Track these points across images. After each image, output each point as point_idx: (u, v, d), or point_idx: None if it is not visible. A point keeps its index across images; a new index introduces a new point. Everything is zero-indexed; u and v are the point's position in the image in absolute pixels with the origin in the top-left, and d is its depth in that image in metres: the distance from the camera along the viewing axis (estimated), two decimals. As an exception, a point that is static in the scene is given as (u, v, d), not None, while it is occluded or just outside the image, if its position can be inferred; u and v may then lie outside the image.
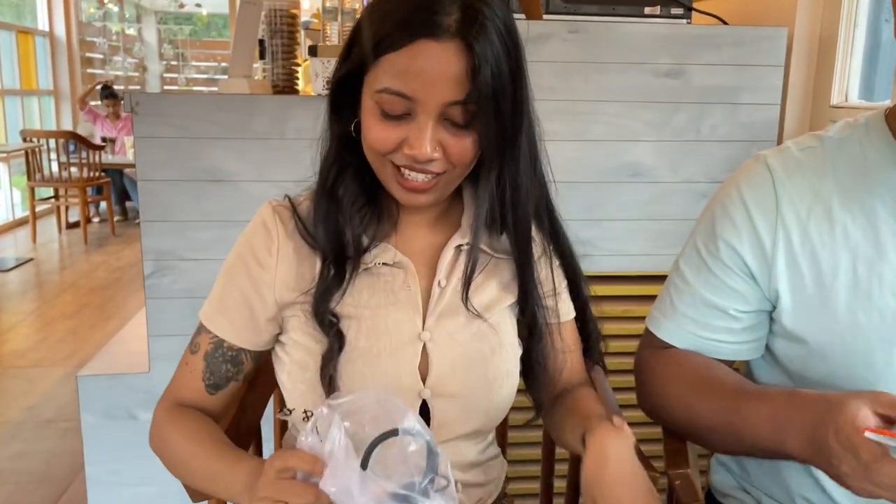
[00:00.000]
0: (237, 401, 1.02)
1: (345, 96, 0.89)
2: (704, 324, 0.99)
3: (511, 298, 0.98)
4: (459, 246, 0.96)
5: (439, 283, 0.95)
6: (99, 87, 7.38)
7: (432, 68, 0.79)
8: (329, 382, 0.91)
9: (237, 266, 0.95)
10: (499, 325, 0.97)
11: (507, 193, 0.91)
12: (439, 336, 0.94)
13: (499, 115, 0.83)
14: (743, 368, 1.08)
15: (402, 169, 0.86)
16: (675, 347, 1.02)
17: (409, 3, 0.81)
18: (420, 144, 0.82)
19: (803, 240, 0.92)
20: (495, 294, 0.97)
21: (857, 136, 0.93)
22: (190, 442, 0.92)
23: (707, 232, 0.99)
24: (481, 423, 0.97)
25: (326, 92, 0.93)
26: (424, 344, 0.93)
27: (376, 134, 0.85)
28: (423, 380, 0.92)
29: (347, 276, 0.91)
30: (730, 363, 1.01)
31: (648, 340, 1.05)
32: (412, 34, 0.79)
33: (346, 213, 0.92)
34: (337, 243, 0.91)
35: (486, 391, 0.95)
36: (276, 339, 0.97)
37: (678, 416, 0.99)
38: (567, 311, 1.03)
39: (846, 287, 0.90)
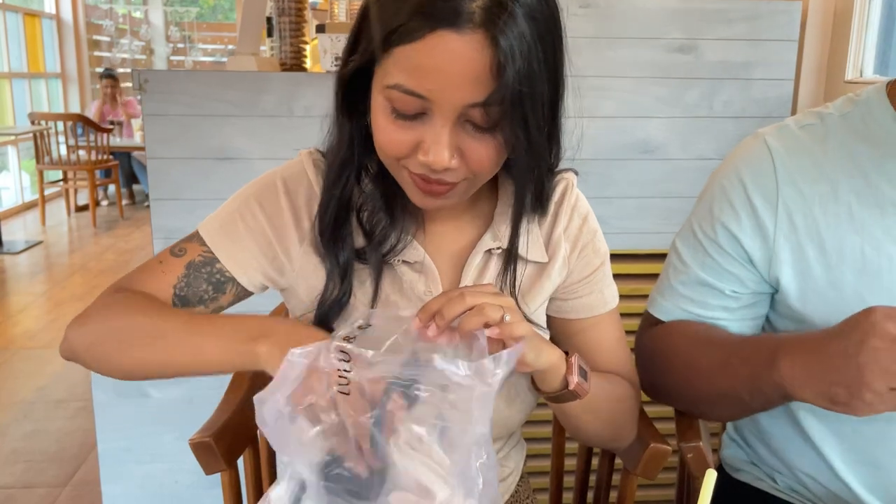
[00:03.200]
0: None
1: (355, 89, 0.78)
2: (701, 302, 0.97)
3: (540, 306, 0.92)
4: (490, 250, 0.88)
5: None
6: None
7: (451, 65, 0.68)
8: None
9: (266, 196, 0.86)
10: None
11: (539, 179, 0.84)
12: None
13: (527, 117, 0.72)
14: None
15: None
16: (672, 321, 1.00)
17: None
18: (436, 151, 0.72)
19: (807, 221, 0.89)
20: (524, 294, 0.90)
21: (859, 112, 0.90)
22: (162, 310, 0.80)
23: (704, 213, 0.96)
24: (495, 435, 0.94)
25: (335, 68, 0.86)
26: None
27: (388, 136, 0.74)
28: None
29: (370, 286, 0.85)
30: None
31: (648, 321, 1.04)
32: (429, 24, 0.67)
33: (367, 221, 0.84)
34: (345, 264, 0.84)
35: (504, 408, 0.90)
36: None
37: (680, 381, 0.97)
38: (592, 304, 0.94)
39: (853, 268, 0.87)
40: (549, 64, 0.72)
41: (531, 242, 0.89)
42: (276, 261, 0.87)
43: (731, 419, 1.09)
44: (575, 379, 0.79)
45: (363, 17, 0.75)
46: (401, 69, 0.70)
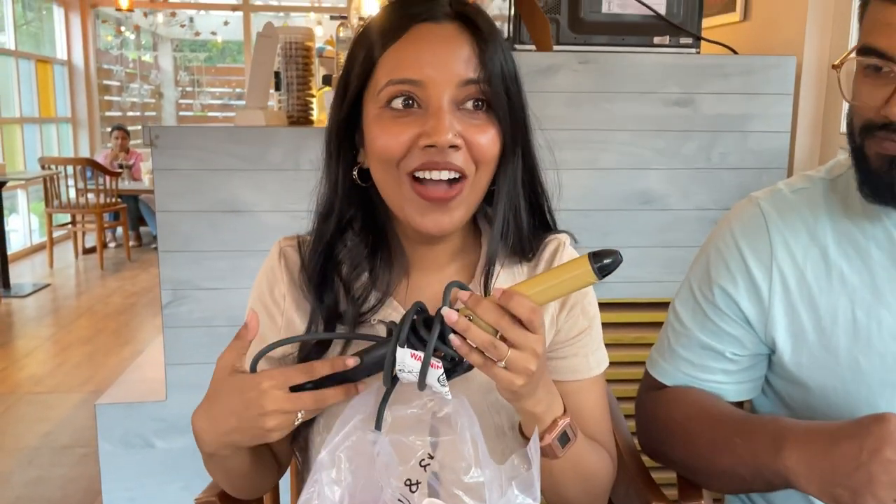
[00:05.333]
0: (287, 446, 0.95)
1: (344, 138, 0.84)
2: (701, 366, 0.98)
3: None
4: (487, 274, 0.87)
5: None
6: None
7: (436, 47, 0.77)
8: (305, 451, 0.89)
9: (254, 309, 0.91)
10: None
11: (519, 218, 0.86)
12: None
13: (513, 102, 0.81)
14: (747, 408, 1.07)
15: (421, 176, 0.78)
16: (673, 387, 1.01)
17: (400, 6, 0.81)
18: (438, 129, 0.75)
19: (800, 284, 0.91)
20: None
21: (849, 176, 0.91)
22: None
23: (702, 275, 0.98)
24: None
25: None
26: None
27: (386, 138, 0.78)
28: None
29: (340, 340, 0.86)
30: (734, 405, 1.00)
31: (648, 383, 1.05)
32: (408, 22, 0.78)
33: (346, 277, 0.86)
34: (328, 310, 0.85)
35: (493, 437, 0.87)
36: None
37: (680, 451, 0.97)
38: (583, 367, 0.92)
39: (846, 332, 0.89)
40: (511, 66, 0.82)
41: None
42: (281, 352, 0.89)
43: (731, 493, 1.09)
44: (550, 439, 0.77)
45: (350, 58, 0.83)
46: (391, 68, 0.78)
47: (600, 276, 0.68)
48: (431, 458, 0.70)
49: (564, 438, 0.79)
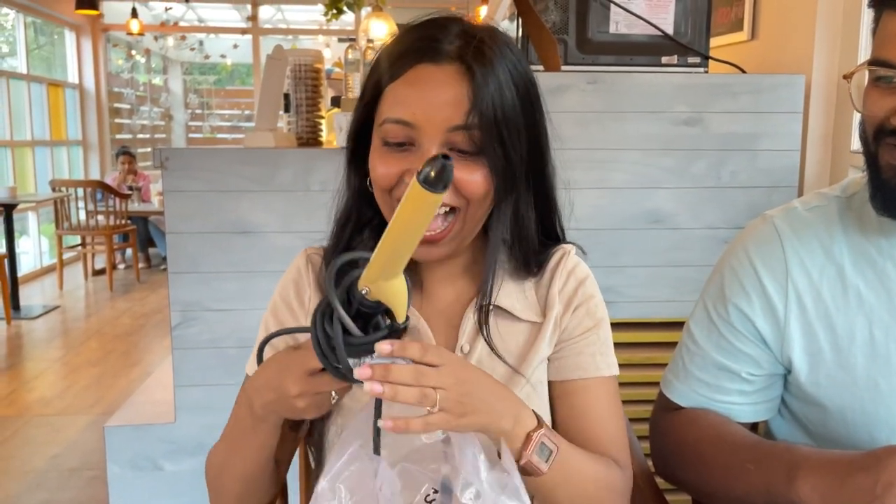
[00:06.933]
0: (291, 452, 0.96)
1: (361, 150, 0.88)
2: (717, 386, 0.97)
3: (541, 359, 0.90)
4: (482, 307, 0.88)
5: (462, 348, 0.89)
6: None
7: (431, 91, 0.78)
8: (319, 446, 0.90)
9: (272, 316, 0.94)
10: (532, 391, 0.89)
11: (526, 236, 0.88)
12: None
13: (506, 145, 0.80)
14: (763, 428, 1.06)
15: None
16: (688, 409, 1.00)
17: (412, 35, 0.83)
18: None
19: (816, 303, 0.90)
20: (522, 355, 0.90)
21: (864, 194, 0.90)
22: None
23: (716, 294, 0.97)
24: None
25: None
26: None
27: (381, 169, 0.82)
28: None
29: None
30: (749, 426, 0.99)
31: (663, 403, 1.03)
32: (412, 61, 0.80)
33: None
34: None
35: None
36: None
37: (693, 475, 0.96)
38: (593, 366, 0.91)
39: (863, 352, 0.88)
40: (522, 102, 0.82)
41: (526, 304, 0.91)
42: None
43: None
44: (528, 455, 0.75)
45: (366, 79, 0.86)
46: (390, 104, 0.81)
47: (432, 188, 0.60)
48: (437, 492, 0.69)
49: (545, 451, 0.76)
